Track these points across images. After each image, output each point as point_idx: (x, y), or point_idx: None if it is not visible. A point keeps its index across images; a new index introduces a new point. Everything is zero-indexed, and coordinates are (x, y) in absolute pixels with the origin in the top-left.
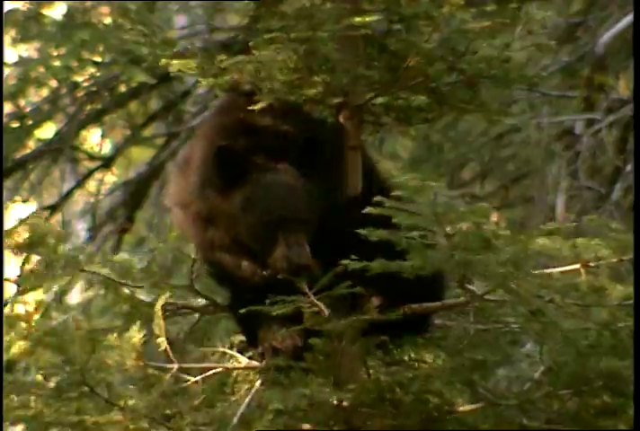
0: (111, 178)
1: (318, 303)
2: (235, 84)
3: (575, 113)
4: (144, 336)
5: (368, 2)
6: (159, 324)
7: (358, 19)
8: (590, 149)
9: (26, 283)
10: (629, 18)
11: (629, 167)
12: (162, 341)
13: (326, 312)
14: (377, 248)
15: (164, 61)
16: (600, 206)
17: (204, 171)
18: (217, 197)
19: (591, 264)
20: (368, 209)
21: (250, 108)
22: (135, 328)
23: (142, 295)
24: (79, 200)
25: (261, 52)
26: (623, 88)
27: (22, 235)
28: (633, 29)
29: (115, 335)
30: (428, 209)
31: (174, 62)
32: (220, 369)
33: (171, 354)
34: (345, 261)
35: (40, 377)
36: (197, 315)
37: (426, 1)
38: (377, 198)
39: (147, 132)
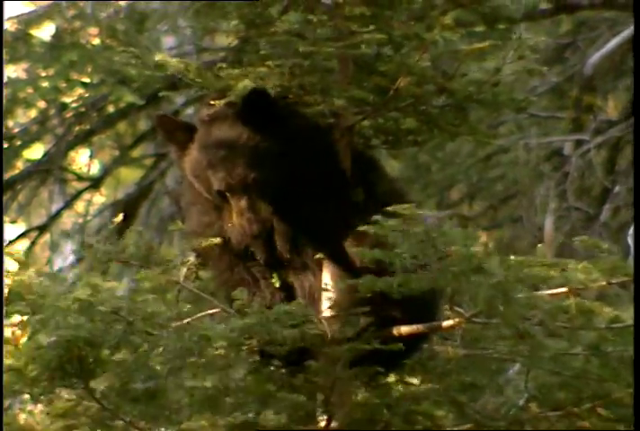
0: (99, 198)
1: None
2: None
3: (564, 134)
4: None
5: (359, 23)
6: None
7: (367, 36)
8: (578, 170)
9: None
10: (618, 39)
11: (617, 188)
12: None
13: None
14: None
15: (160, 57)
16: (588, 226)
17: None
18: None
19: (580, 287)
20: (365, 227)
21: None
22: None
23: None
24: (67, 221)
25: (256, 68)
26: (611, 109)
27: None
28: (632, 43)
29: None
30: (422, 233)
31: (172, 60)
32: None
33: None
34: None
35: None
36: None
37: (417, 22)
38: (376, 217)
39: (136, 153)
